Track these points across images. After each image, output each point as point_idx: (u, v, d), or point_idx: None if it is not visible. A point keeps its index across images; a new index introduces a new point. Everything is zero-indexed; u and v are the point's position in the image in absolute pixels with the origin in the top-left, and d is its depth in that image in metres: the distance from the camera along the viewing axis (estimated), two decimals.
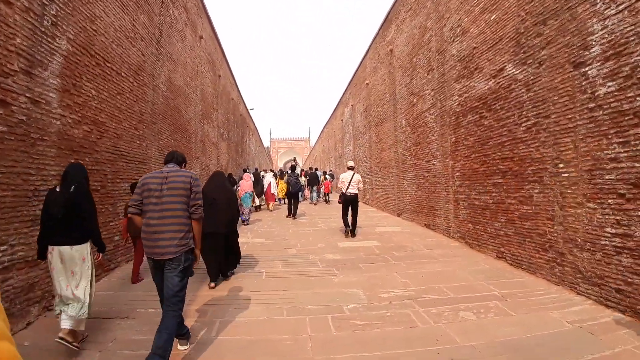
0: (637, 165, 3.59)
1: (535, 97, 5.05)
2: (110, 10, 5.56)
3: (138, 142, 6.62)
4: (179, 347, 3.05)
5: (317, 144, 43.86)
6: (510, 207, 5.59)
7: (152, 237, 2.79)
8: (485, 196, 6.25)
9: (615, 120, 3.83)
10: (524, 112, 5.26)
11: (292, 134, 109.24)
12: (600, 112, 4.01)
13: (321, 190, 18.05)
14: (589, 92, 4.17)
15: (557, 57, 4.68)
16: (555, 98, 4.69)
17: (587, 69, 4.24)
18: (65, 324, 3.01)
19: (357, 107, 17.78)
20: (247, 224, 10.38)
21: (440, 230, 8.20)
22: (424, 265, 5.61)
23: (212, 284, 4.79)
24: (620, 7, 3.75)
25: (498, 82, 5.85)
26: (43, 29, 4.01)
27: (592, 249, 4.13)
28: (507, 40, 5.63)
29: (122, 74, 6.04)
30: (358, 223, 8.62)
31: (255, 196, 12.83)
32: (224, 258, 5.13)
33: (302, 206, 15.38)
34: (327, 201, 17.72)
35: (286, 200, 13.06)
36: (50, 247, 3.10)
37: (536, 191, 5.05)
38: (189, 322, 3.47)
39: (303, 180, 17.74)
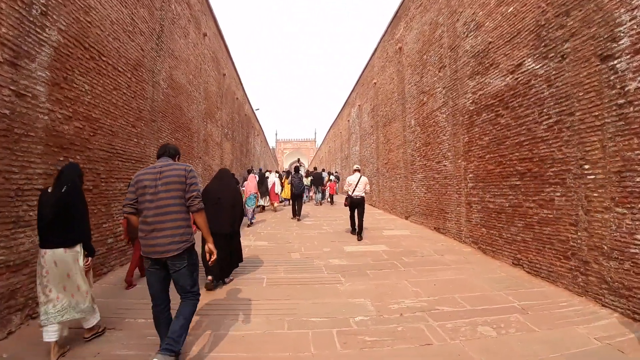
0: None
1: (558, 93, 4.70)
2: (106, 2, 5.30)
3: (135, 140, 6.35)
4: None
5: (323, 145, 43.55)
6: (529, 211, 5.23)
7: (150, 235, 2.68)
8: (501, 199, 5.89)
9: None
10: (545, 110, 4.90)
11: (298, 135, 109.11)
12: (631, 108, 3.67)
13: (326, 191, 17.76)
14: (618, 87, 3.83)
15: (582, 50, 4.34)
16: (581, 94, 4.34)
17: (615, 62, 3.90)
18: (52, 336, 2.87)
19: (364, 107, 17.44)
20: (251, 224, 10.20)
21: (451, 234, 7.83)
22: (435, 273, 5.26)
23: (210, 277, 4.67)
24: None
25: (516, 78, 5.50)
26: (31, 19, 3.75)
27: (620, 257, 3.77)
28: (526, 33, 5.28)
29: (119, 68, 5.78)
30: (365, 225, 8.55)
31: (260, 197, 12.57)
32: (227, 260, 4.90)
33: (307, 207, 15.13)
34: (331, 202, 17.41)
35: (291, 201, 12.80)
36: (42, 251, 2.98)
37: (558, 194, 4.69)
38: None
39: (307, 181, 17.47)
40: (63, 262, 2.98)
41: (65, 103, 4.37)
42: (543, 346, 3.09)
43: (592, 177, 4.16)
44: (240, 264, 5.44)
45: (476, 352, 2.99)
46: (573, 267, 4.44)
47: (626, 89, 3.73)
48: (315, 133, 77.24)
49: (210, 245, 2.92)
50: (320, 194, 17.32)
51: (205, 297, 4.31)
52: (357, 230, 8.02)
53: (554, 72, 4.78)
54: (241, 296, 4.39)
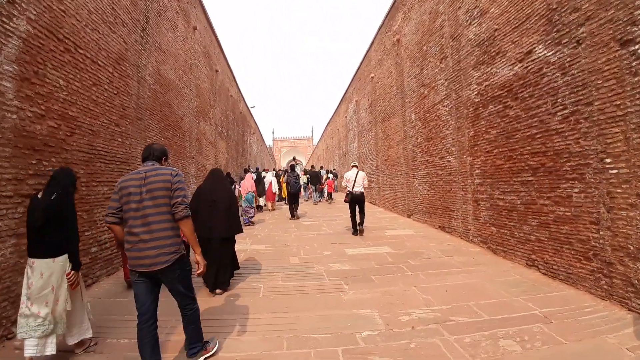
0: None
1: (574, 81, 4.34)
2: None
3: (120, 139, 5.93)
4: None
5: (320, 143, 43.15)
6: (544, 209, 4.88)
7: (137, 247, 2.50)
8: (512, 196, 5.53)
9: None
10: (560, 100, 4.54)
11: (295, 133, 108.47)
12: None
13: (324, 189, 17.42)
14: None
15: (600, 34, 3.98)
16: (599, 82, 3.98)
17: (637, 47, 3.56)
18: (29, 351, 2.74)
19: (362, 103, 17.04)
20: (252, 224, 10.07)
21: (457, 233, 7.47)
22: (445, 277, 4.90)
23: (219, 291, 4.53)
24: None
25: (526, 67, 5.13)
26: None
27: None
28: (537, 18, 4.91)
29: (99, 62, 5.37)
30: (366, 225, 8.65)
31: (258, 196, 12.27)
32: (223, 267, 4.62)
33: (305, 207, 14.80)
34: (329, 200, 17.09)
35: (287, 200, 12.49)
36: (30, 260, 2.86)
37: (576, 190, 4.33)
38: (164, 357, 2.80)
39: (304, 179, 17.15)
40: (49, 273, 2.83)
41: (37, 100, 3.96)
42: None
43: (615, 171, 3.81)
44: (237, 271, 5.12)
45: None
46: (595, 269, 4.09)
47: None
48: (312, 131, 76.42)
49: (198, 257, 2.70)
50: (317, 193, 17.07)
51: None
52: (358, 222, 8.10)
53: (568, 59, 4.42)
54: (235, 309, 4.00)
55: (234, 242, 5.01)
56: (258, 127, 34.42)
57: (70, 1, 4.58)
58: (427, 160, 8.99)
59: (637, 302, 3.55)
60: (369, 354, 2.95)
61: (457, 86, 7.20)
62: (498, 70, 5.78)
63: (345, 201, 8.16)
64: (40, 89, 4.01)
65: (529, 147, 5.10)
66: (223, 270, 4.61)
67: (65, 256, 2.92)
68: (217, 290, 4.51)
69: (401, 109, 10.98)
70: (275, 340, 3.20)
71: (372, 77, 14.48)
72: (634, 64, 3.58)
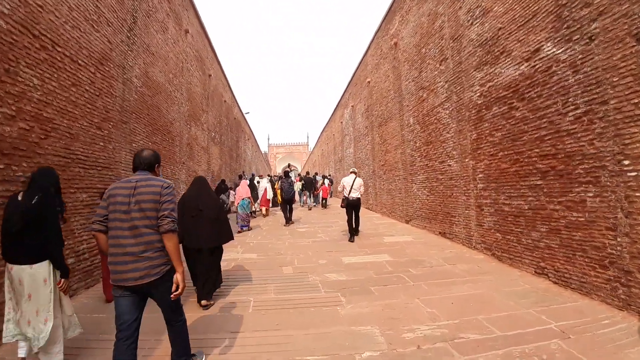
0: None
1: (586, 79, 4.08)
2: None
3: (102, 143, 5.58)
4: None
5: (316, 148, 42.89)
6: (554, 214, 4.58)
7: (122, 260, 2.34)
8: (519, 201, 5.23)
9: None
10: (571, 99, 4.28)
11: (291, 139, 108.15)
12: None
13: (319, 195, 17.18)
14: None
15: (614, 29, 3.76)
16: (615, 79, 3.73)
17: None
18: (21, 352, 2.74)
19: (358, 108, 16.80)
20: (249, 229, 10.01)
21: (459, 239, 7.16)
22: (449, 287, 4.57)
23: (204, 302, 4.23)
24: None
25: (533, 66, 4.87)
26: None
27: None
28: (544, 14, 4.67)
29: (80, 61, 5.05)
30: (363, 231, 8.80)
31: (252, 202, 12.03)
32: (211, 279, 4.37)
33: (300, 212, 14.48)
34: (324, 206, 16.87)
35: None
36: (9, 265, 2.72)
37: (590, 194, 4.05)
38: None
39: (298, 186, 16.93)
40: (27, 280, 2.68)
41: (7, 100, 3.63)
42: None
43: (634, 174, 3.55)
44: (224, 282, 4.81)
45: None
46: (612, 278, 3.81)
47: None
48: (308, 137, 76.51)
49: (179, 276, 2.42)
50: (312, 198, 17.02)
51: None
52: (354, 227, 8.10)
53: (580, 56, 4.17)
54: (221, 326, 3.63)
55: (221, 252, 4.75)
56: (253, 133, 34.09)
57: None
58: (427, 164, 8.70)
59: None
60: None
61: (458, 88, 6.94)
62: (503, 71, 5.52)
63: (342, 206, 8.18)
64: (11, 88, 3.68)
65: (537, 150, 4.83)
66: (210, 281, 4.36)
67: (45, 263, 2.73)
68: (202, 302, 4.21)
69: (399, 113, 10.71)
70: None
71: (369, 82, 14.25)
72: None
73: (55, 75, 4.47)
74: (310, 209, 16.11)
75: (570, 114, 4.29)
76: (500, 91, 5.59)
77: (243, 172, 20.55)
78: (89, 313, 4.14)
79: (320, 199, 17.28)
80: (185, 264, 2.98)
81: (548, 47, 4.62)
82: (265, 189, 13.37)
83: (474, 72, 6.36)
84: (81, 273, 4.91)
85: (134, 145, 6.64)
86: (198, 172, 11.71)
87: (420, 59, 8.89)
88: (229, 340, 3.31)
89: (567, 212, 4.38)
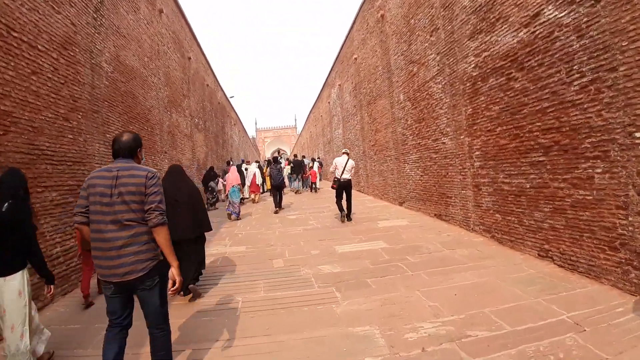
0: None
1: (593, 44, 3.73)
2: None
3: (71, 136, 5.12)
4: None
5: (304, 131, 42.25)
6: (559, 193, 4.29)
7: (108, 255, 2.20)
8: (520, 179, 4.93)
9: None
10: (576, 67, 3.93)
11: (279, 123, 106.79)
12: None
13: (309, 179, 16.87)
14: None
15: None
16: (624, 43, 3.38)
17: None
18: None
19: (345, 87, 16.27)
20: (239, 218, 9.68)
21: (456, 221, 6.89)
22: (451, 275, 4.29)
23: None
24: None
25: (533, 32, 4.48)
26: None
27: None
28: None
29: (40, 47, 4.56)
30: (356, 215, 8.57)
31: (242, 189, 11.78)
32: (190, 269, 4.18)
33: (290, 198, 14.21)
34: (313, 190, 16.65)
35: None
36: None
37: (599, 171, 3.75)
38: None
39: (287, 170, 16.60)
40: (1, 293, 2.51)
41: None
42: None
43: None
44: (211, 280, 4.55)
45: None
46: (623, 260, 3.55)
47: None
48: (296, 119, 75.27)
49: (174, 270, 2.34)
50: (300, 182, 16.77)
51: None
52: (345, 212, 8.10)
53: (585, 20, 3.80)
54: (206, 334, 3.29)
55: (204, 240, 4.66)
56: (239, 118, 33.30)
57: None
58: (419, 143, 8.35)
59: None
60: None
61: (451, 60, 6.53)
62: (499, 39, 5.12)
63: (333, 187, 8.11)
64: None
65: (539, 123, 4.49)
66: (191, 270, 4.23)
67: (19, 275, 2.57)
68: (190, 287, 4.15)
69: (388, 90, 10.27)
70: None
71: (356, 59, 13.70)
72: None
73: (12, 64, 4.02)
74: (297, 193, 15.94)
75: (576, 83, 3.94)
76: (497, 61, 5.20)
77: (231, 158, 20.05)
78: (63, 324, 3.79)
79: (310, 183, 17.00)
80: None
81: (549, 10, 4.23)
82: (255, 174, 13.09)
83: (467, 42, 5.95)
84: (56, 279, 4.52)
85: (108, 136, 6.15)
86: (182, 161, 11.24)
87: (409, 31, 8.41)
88: (214, 350, 2.99)
89: (573, 190, 4.08)
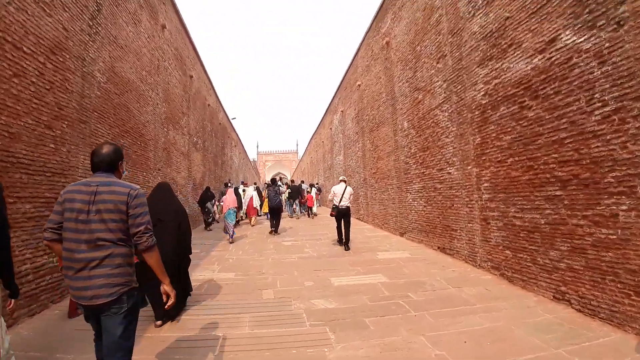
0: None
1: (616, 71, 3.48)
2: None
3: (53, 145, 4.78)
4: None
5: (305, 156, 42.15)
6: (578, 230, 3.92)
7: (78, 275, 2.01)
8: (533, 214, 4.57)
9: None
10: (597, 95, 3.66)
11: (280, 147, 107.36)
12: None
13: (306, 204, 16.57)
14: None
15: None
16: None
17: None
18: None
19: (348, 113, 16.14)
20: (232, 242, 9.36)
21: (461, 256, 6.45)
22: (458, 318, 3.84)
23: (159, 322, 3.84)
24: None
25: (549, 58, 4.25)
26: None
27: None
28: None
29: (25, 49, 4.30)
30: (355, 245, 8.40)
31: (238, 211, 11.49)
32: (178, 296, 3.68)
33: (288, 222, 13.77)
34: (309, 215, 16.38)
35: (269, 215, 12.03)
36: None
37: (624, 207, 3.41)
38: None
39: (286, 195, 16.30)
40: None
41: None
42: None
43: None
44: (191, 309, 4.20)
45: None
46: None
47: None
48: (297, 144, 75.66)
49: (167, 287, 2.29)
50: (298, 207, 16.57)
51: None
52: (344, 240, 8.06)
53: (607, 45, 3.57)
54: None
55: (188, 262, 4.49)
56: (240, 140, 33.22)
57: None
58: (423, 172, 8.02)
59: None
60: None
61: (459, 87, 6.30)
62: (511, 65, 4.89)
63: (331, 215, 8.19)
64: None
65: (555, 155, 4.18)
66: (179, 299, 3.77)
67: None
68: (157, 322, 3.84)
69: (391, 117, 10.06)
70: None
71: (359, 85, 13.62)
72: None
73: None
74: (294, 218, 15.76)
75: (597, 112, 3.66)
76: (509, 89, 4.95)
77: (229, 179, 19.69)
78: (30, 350, 3.31)
79: (307, 209, 16.74)
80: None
81: (567, 35, 4.01)
82: (252, 198, 12.93)
83: (476, 69, 5.73)
84: (24, 298, 4.08)
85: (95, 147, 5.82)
86: (177, 180, 10.89)
87: (414, 58, 8.27)
88: None
89: (595, 229, 3.72)
